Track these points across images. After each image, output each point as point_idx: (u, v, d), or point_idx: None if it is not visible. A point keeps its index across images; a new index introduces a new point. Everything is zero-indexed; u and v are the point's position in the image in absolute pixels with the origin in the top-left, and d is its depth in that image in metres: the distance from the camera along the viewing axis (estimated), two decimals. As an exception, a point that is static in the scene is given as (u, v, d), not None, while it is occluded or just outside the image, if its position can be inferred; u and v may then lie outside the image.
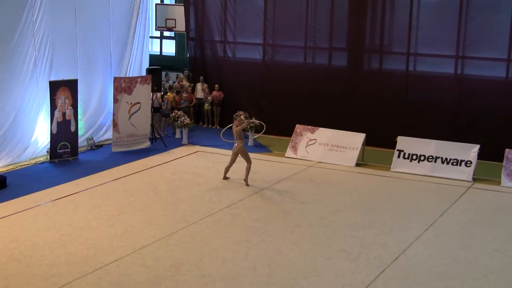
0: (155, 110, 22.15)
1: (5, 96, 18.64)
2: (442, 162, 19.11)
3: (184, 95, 23.51)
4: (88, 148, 20.93)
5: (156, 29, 25.36)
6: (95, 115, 21.66)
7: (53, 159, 19.40)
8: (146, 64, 23.65)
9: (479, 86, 20.72)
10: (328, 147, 20.36)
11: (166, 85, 24.07)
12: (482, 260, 13.28)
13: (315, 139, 20.65)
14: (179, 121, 21.79)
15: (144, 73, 22.49)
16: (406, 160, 19.47)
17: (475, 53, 20.58)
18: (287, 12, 23.28)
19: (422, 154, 19.37)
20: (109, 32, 21.79)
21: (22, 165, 18.89)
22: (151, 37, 25.57)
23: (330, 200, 16.73)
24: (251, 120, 20.19)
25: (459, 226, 15.14)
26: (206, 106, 24.09)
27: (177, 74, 25.01)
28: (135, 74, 22.49)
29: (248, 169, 17.63)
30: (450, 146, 19.23)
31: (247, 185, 17.58)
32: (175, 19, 24.85)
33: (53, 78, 19.60)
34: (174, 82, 24.42)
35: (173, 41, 26.75)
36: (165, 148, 21.27)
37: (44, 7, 19.31)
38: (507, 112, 20.18)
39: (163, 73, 23.95)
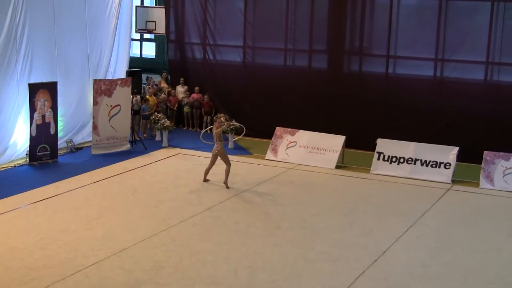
0: (135, 112, 22.09)
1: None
2: (422, 164, 19.20)
3: (161, 96, 23.47)
4: (68, 150, 20.80)
5: (136, 31, 25.23)
6: (74, 118, 21.50)
7: (33, 162, 19.27)
8: (127, 67, 23.55)
9: (459, 88, 20.80)
10: (308, 150, 20.40)
11: (146, 88, 23.95)
12: (461, 261, 13.38)
13: (295, 142, 20.68)
14: (159, 124, 21.74)
15: (124, 76, 22.40)
16: (386, 162, 19.54)
17: (454, 56, 20.71)
18: (267, 15, 23.28)
19: (401, 156, 19.44)
20: (87, 35, 21.65)
21: (0, 168, 18.73)
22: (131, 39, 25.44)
23: (311, 202, 16.76)
24: (231, 123, 20.19)
25: (438, 228, 15.24)
26: (186, 108, 24.04)
27: (147, 77, 24.41)
28: (116, 77, 22.39)
29: (227, 171, 17.62)
30: (430, 148, 19.33)
31: (227, 187, 17.57)
32: (155, 22, 24.73)
33: (32, 81, 19.45)
34: (155, 86, 24.20)
35: (153, 44, 26.66)
36: (145, 150, 21.21)
37: (25, 9, 19.19)
38: (486, 114, 20.31)
39: (144, 77, 23.82)
